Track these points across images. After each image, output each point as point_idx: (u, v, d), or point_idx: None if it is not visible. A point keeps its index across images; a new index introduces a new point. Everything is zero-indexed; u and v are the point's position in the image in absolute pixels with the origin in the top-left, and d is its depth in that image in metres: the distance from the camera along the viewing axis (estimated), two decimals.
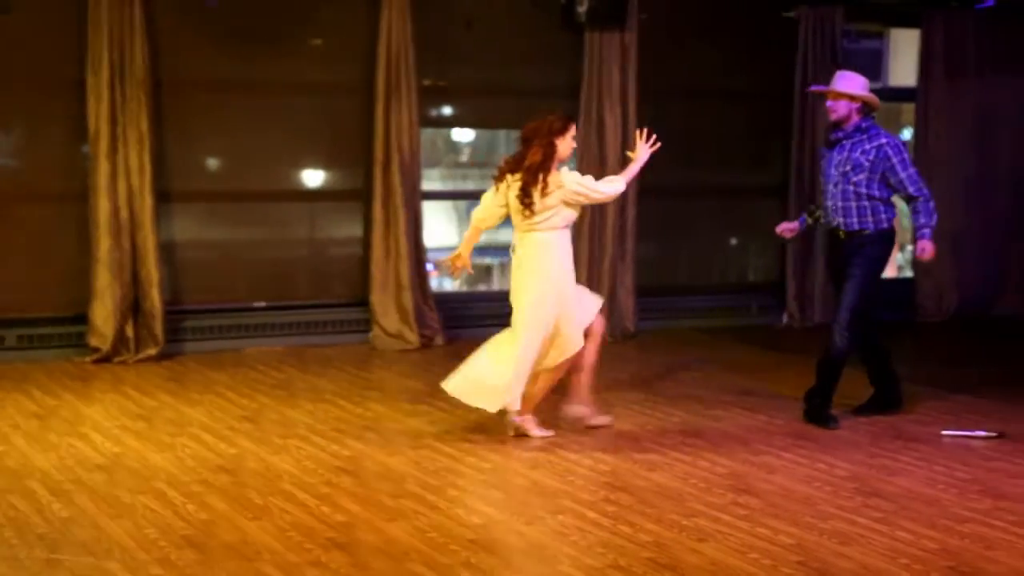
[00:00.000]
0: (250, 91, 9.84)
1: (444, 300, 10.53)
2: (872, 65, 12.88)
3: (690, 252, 11.40)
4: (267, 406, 7.82)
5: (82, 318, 9.18)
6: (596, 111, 10.45)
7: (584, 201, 6.93)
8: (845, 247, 7.37)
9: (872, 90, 7.47)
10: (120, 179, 9.16)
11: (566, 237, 6.97)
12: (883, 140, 7.29)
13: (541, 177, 6.73)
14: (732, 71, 11.21)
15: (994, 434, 7.17)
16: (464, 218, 17.04)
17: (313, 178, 10.35)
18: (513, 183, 6.83)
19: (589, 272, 10.47)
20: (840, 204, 7.34)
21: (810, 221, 7.83)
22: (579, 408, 7.14)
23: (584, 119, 10.41)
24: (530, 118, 6.89)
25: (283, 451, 6.69)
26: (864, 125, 7.32)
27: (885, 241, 7.38)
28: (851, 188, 7.30)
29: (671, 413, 7.71)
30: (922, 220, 7.31)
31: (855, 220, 7.31)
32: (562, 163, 6.88)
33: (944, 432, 7.26)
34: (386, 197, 9.91)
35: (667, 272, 11.25)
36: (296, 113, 9.96)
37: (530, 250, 6.87)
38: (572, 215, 6.94)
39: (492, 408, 6.89)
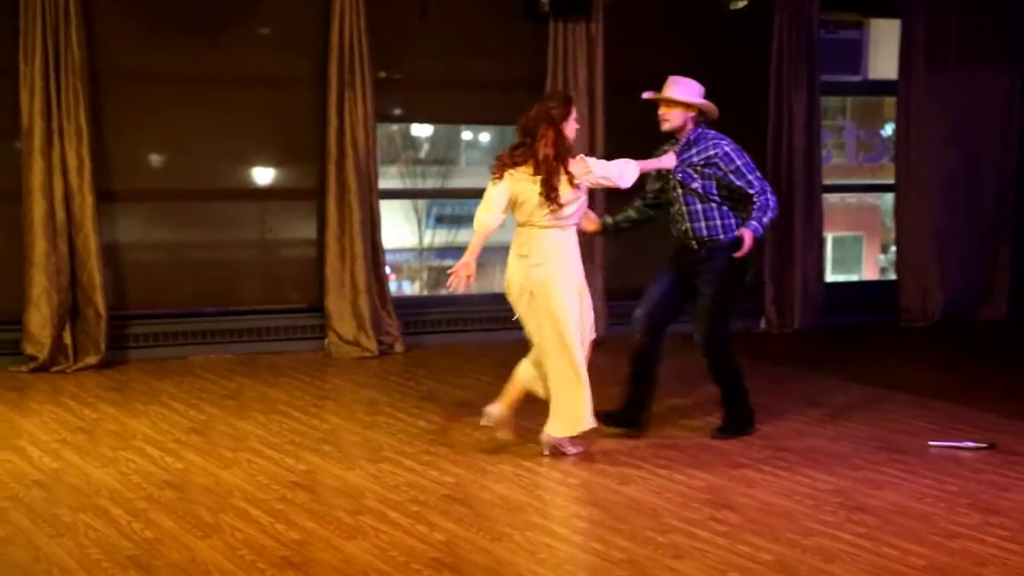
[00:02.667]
0: (195, 83, 9.80)
1: (403, 305, 10.52)
2: (851, 57, 12.99)
3: (662, 253, 11.37)
4: (216, 417, 7.78)
5: (17, 325, 9.10)
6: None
7: (606, 184, 6.91)
8: (693, 255, 7.24)
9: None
10: (56, 177, 9.09)
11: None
12: (721, 147, 7.15)
13: (563, 169, 6.67)
14: (704, 64, 11.21)
15: (984, 445, 7.21)
16: (424, 218, 17.09)
17: (263, 176, 10.31)
18: (521, 178, 6.73)
19: None
20: (686, 212, 7.19)
21: (609, 222, 7.54)
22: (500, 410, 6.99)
23: None
24: (526, 108, 6.79)
25: (234, 465, 6.65)
26: (697, 135, 7.20)
27: (736, 250, 7.10)
28: (694, 197, 7.15)
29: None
30: (756, 213, 7.08)
31: (703, 228, 7.17)
32: (571, 147, 6.85)
33: (931, 443, 7.30)
34: (340, 196, 9.88)
35: (638, 274, 11.21)
36: (245, 107, 9.92)
37: (553, 246, 6.76)
38: (585, 207, 6.95)
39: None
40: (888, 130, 14.04)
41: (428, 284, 16.88)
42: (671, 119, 7.20)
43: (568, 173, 6.68)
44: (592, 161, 6.86)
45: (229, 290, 9.99)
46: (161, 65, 9.62)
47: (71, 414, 7.83)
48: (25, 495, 6.05)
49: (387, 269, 10.40)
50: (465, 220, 16.80)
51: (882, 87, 12.45)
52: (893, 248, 12.86)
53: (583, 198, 6.83)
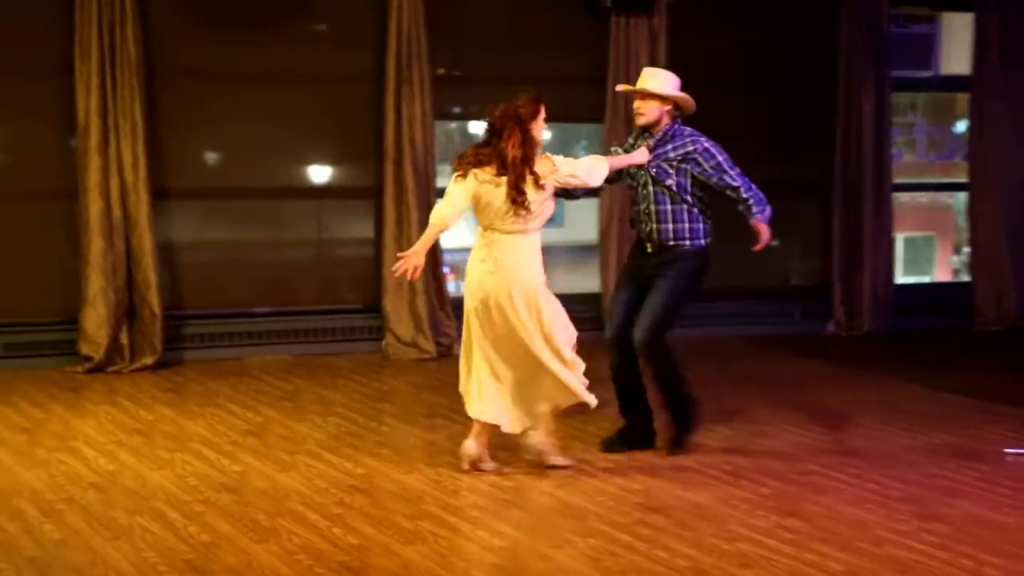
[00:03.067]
0: (251, 80, 9.86)
1: (461, 305, 10.48)
2: (923, 52, 12.86)
3: (726, 253, 11.30)
4: (273, 420, 7.82)
5: (73, 325, 9.19)
6: (624, 101, 10.42)
7: (574, 183, 6.67)
8: (654, 259, 6.97)
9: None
10: (112, 175, 9.18)
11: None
12: (700, 142, 6.98)
13: (528, 170, 6.44)
14: (770, 59, 11.19)
15: None
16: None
17: (320, 174, 10.36)
18: (485, 179, 6.48)
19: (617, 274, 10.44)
20: (654, 211, 6.94)
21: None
22: (540, 438, 6.77)
23: (610, 109, 10.41)
24: (496, 104, 6.53)
25: (291, 468, 6.68)
26: (674, 130, 6.99)
27: (701, 257, 7.00)
28: (666, 195, 6.93)
29: (708, 428, 7.66)
30: (757, 207, 6.96)
31: (670, 231, 6.94)
32: (538, 148, 6.57)
33: (1007, 451, 7.21)
34: (398, 194, 9.91)
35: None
36: (301, 104, 9.97)
37: (514, 254, 6.53)
38: (553, 209, 6.66)
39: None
40: (961, 127, 13.87)
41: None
42: (646, 112, 6.96)
43: (534, 174, 6.46)
44: (559, 159, 6.62)
45: (285, 290, 10.04)
46: (217, 62, 9.69)
47: (127, 415, 7.90)
48: (81, 497, 6.11)
49: (445, 269, 10.41)
50: None
51: (955, 83, 12.32)
52: (966, 249, 12.72)
53: (550, 201, 6.61)
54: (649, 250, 6.99)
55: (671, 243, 6.94)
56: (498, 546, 5.49)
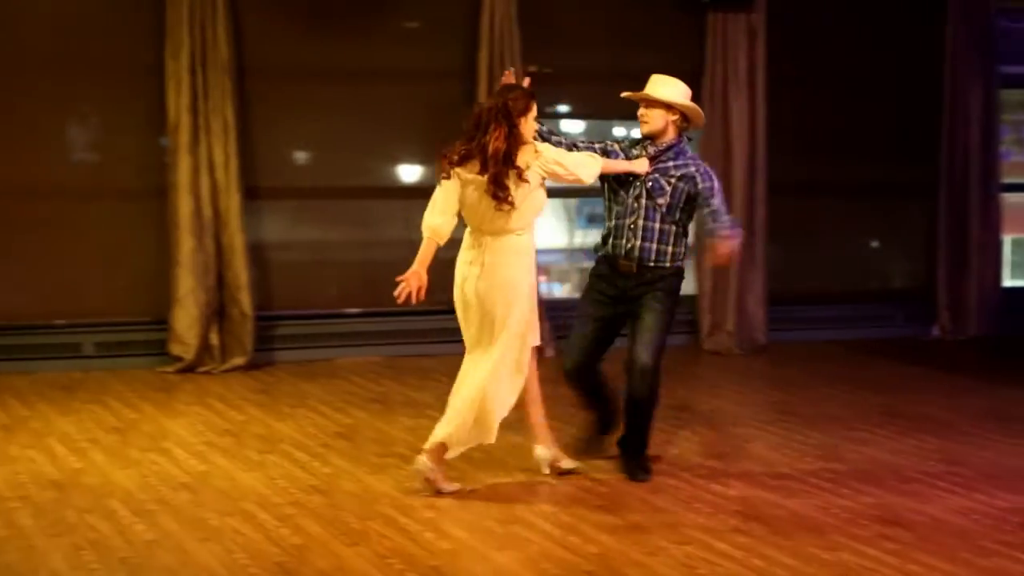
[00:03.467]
0: (341, 78, 9.94)
1: (553, 308, 10.54)
2: None
3: (826, 256, 11.27)
4: (363, 421, 7.90)
5: (163, 324, 9.33)
6: (721, 98, 10.40)
7: (560, 174, 6.29)
8: (633, 281, 6.68)
9: None
10: (203, 174, 9.30)
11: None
12: (702, 165, 6.69)
13: (511, 165, 6.14)
14: (871, 55, 11.08)
15: None
16: (575, 217, 17.06)
17: (410, 173, 10.43)
18: (469, 179, 6.25)
19: (714, 278, 10.42)
20: (641, 227, 6.63)
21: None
22: (548, 450, 6.70)
23: (708, 107, 10.37)
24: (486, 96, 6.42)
25: (381, 471, 6.74)
26: (679, 148, 6.68)
27: (681, 278, 6.77)
28: (656, 213, 6.62)
29: (808, 435, 7.63)
30: (731, 228, 6.64)
31: (652, 251, 6.63)
32: (525, 145, 6.26)
33: None
34: None
35: (801, 278, 11.13)
36: (392, 102, 10.03)
37: (504, 256, 6.30)
38: (543, 204, 6.38)
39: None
40: None
41: (578, 286, 16.88)
42: (651, 121, 6.66)
43: (516, 168, 6.15)
44: (545, 147, 6.32)
45: (375, 291, 10.07)
46: (307, 59, 9.78)
47: (218, 416, 8.01)
48: (173, 498, 6.21)
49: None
50: None
51: None
52: None
53: (539, 193, 6.29)
54: (623, 269, 6.67)
55: (652, 264, 6.64)
56: (591, 552, 5.49)
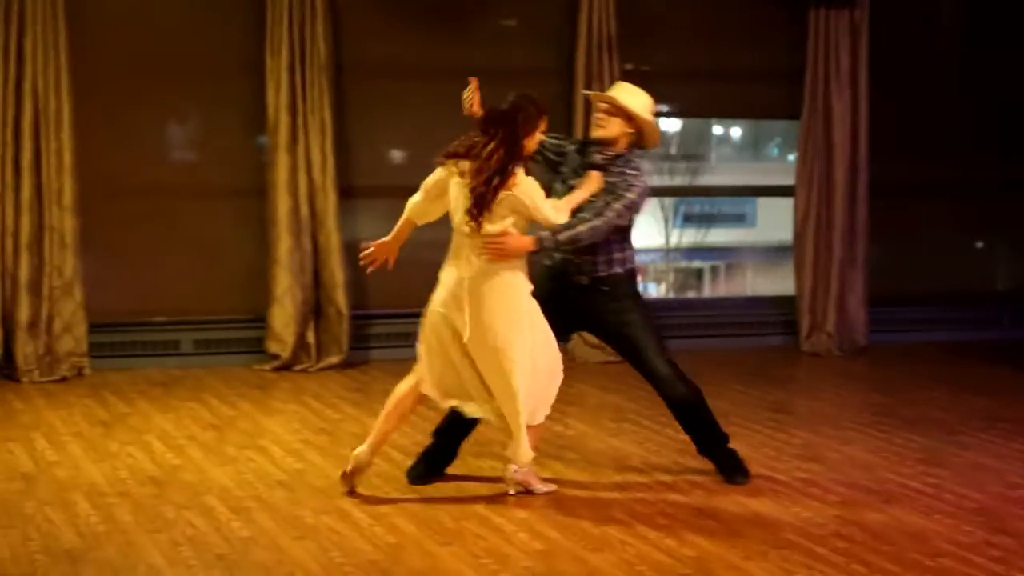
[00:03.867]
0: (439, 76, 9.89)
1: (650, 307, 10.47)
2: None
3: (929, 256, 11.11)
4: None
5: (260, 322, 9.42)
6: (822, 97, 10.28)
7: (526, 212, 6.03)
8: (589, 297, 6.46)
9: None
10: (300, 173, 9.36)
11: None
12: (642, 180, 6.36)
13: (499, 179, 5.95)
14: (977, 50, 10.90)
15: None
16: (671, 216, 17.03)
17: None
18: (463, 178, 6.12)
19: (814, 277, 10.32)
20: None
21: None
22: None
23: (808, 105, 10.27)
24: (502, 100, 6.24)
25: (477, 470, 6.74)
26: (626, 160, 6.39)
27: (634, 277, 6.57)
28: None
29: (910, 439, 7.52)
30: (571, 232, 6.19)
31: (601, 262, 6.40)
32: (522, 163, 6.10)
33: None
34: None
35: (902, 279, 10.98)
36: (488, 101, 9.97)
37: (485, 265, 6.10)
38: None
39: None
40: None
41: (675, 286, 16.84)
42: (607, 127, 6.39)
43: (502, 182, 5.95)
44: (524, 178, 6.02)
45: None
46: (405, 58, 9.81)
47: (313, 414, 8.06)
48: (269, 496, 6.25)
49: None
50: (715, 219, 16.70)
51: None
52: None
53: (509, 221, 6.04)
54: (575, 280, 6.44)
55: (604, 274, 6.43)
56: (687, 556, 5.45)
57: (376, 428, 6.40)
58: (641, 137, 6.48)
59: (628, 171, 6.36)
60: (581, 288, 6.48)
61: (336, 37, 9.48)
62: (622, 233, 6.45)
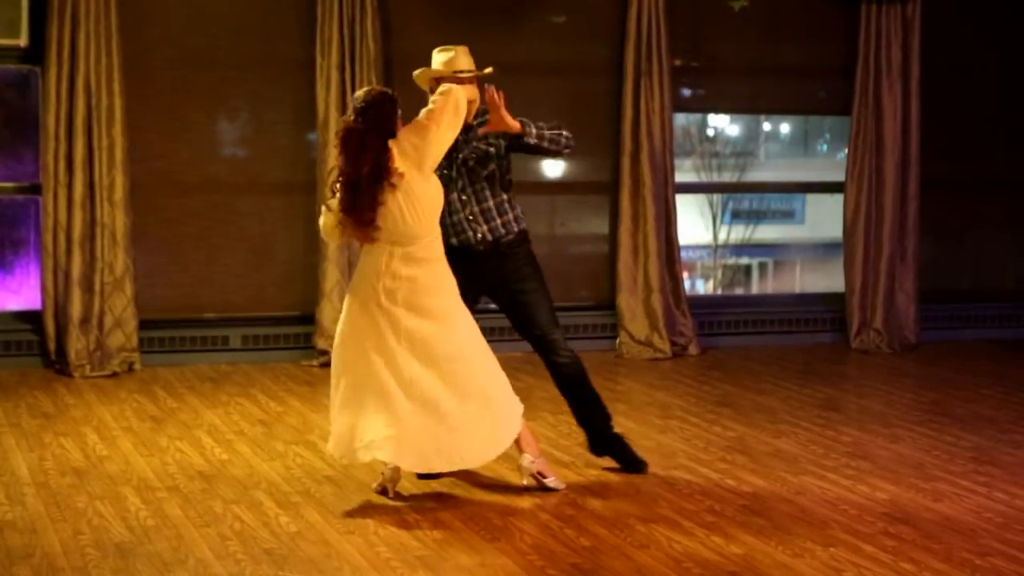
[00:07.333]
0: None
1: (698, 304, 10.45)
2: None
3: (981, 253, 11.01)
4: None
5: (310, 319, 9.46)
6: (873, 93, 10.22)
7: (421, 144, 6.16)
8: (487, 264, 6.43)
9: None
10: None
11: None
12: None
13: (386, 179, 6.03)
14: None
15: None
16: (719, 213, 16.99)
17: (554, 168, 10.42)
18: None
19: (863, 274, 10.26)
20: (479, 211, 6.43)
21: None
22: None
23: (859, 101, 10.21)
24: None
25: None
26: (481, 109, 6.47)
27: (527, 238, 6.56)
28: (486, 190, 6.45)
29: (960, 437, 7.47)
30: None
31: (499, 227, 6.43)
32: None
33: None
34: (635, 189, 9.90)
35: (954, 275, 10.90)
36: (538, 97, 10.02)
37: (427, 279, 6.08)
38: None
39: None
40: None
41: (723, 283, 16.80)
42: (477, 95, 6.57)
43: (390, 181, 6.03)
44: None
45: None
46: None
47: None
48: (317, 491, 6.28)
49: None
50: (764, 216, 16.64)
51: None
52: None
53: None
54: (476, 248, 6.41)
55: (503, 238, 6.43)
56: (735, 553, 5.44)
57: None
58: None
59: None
60: (483, 255, 6.42)
61: (386, 34, 9.50)
62: (512, 190, 6.53)
